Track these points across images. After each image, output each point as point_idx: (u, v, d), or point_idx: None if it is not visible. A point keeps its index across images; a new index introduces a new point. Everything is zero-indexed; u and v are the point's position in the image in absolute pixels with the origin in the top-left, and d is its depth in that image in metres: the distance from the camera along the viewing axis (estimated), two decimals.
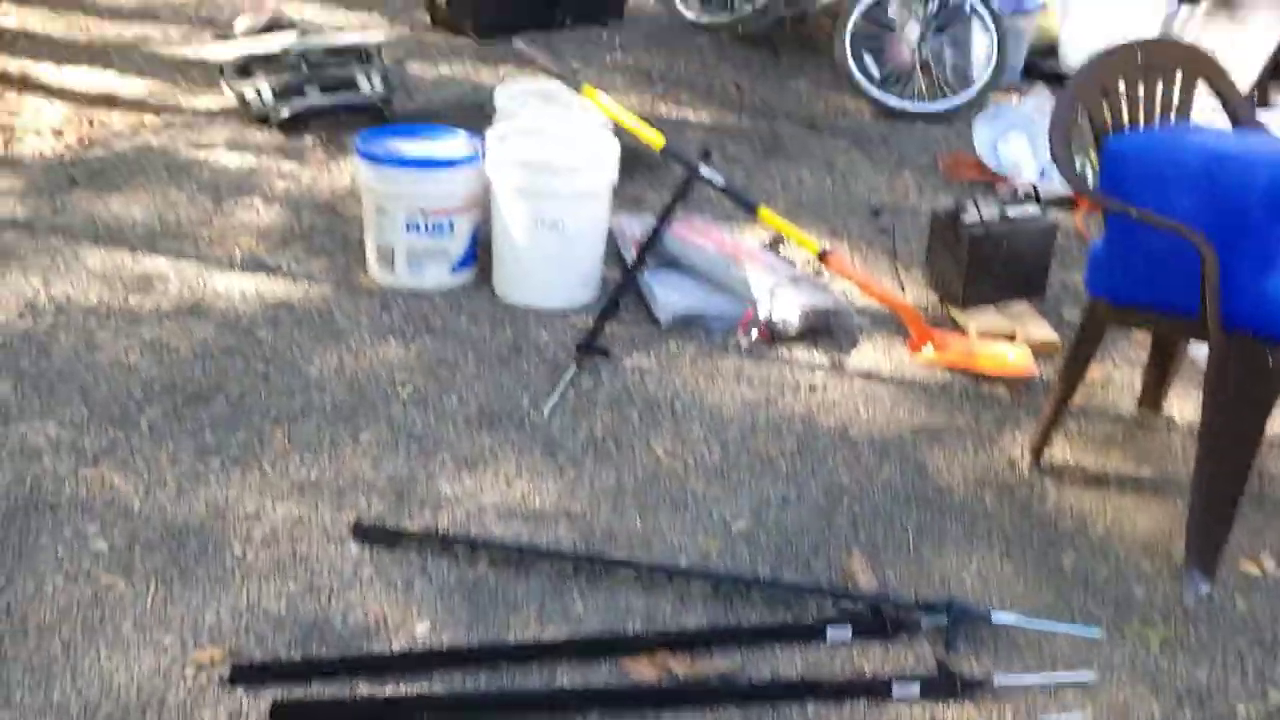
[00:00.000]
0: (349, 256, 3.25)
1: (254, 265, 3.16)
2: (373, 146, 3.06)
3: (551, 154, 3.01)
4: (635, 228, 3.38)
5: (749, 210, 3.16)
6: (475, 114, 4.24)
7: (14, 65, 4.51)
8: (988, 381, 2.89)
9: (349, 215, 3.49)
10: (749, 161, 4.19)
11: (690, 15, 5.40)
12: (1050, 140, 2.20)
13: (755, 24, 5.25)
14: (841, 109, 4.77)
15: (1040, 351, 2.99)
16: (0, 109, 4.10)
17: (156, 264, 3.12)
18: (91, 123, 4.08)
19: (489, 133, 3.08)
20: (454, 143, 3.14)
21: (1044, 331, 3.07)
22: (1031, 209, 3.20)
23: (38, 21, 5.09)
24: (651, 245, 3.18)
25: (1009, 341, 3.01)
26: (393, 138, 3.14)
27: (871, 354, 3.00)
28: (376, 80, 4.47)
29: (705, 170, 3.18)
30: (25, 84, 4.35)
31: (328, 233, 3.39)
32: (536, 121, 3.19)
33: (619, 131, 3.28)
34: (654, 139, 3.21)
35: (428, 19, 5.49)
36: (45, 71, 4.51)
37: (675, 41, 5.44)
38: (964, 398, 2.84)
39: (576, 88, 3.28)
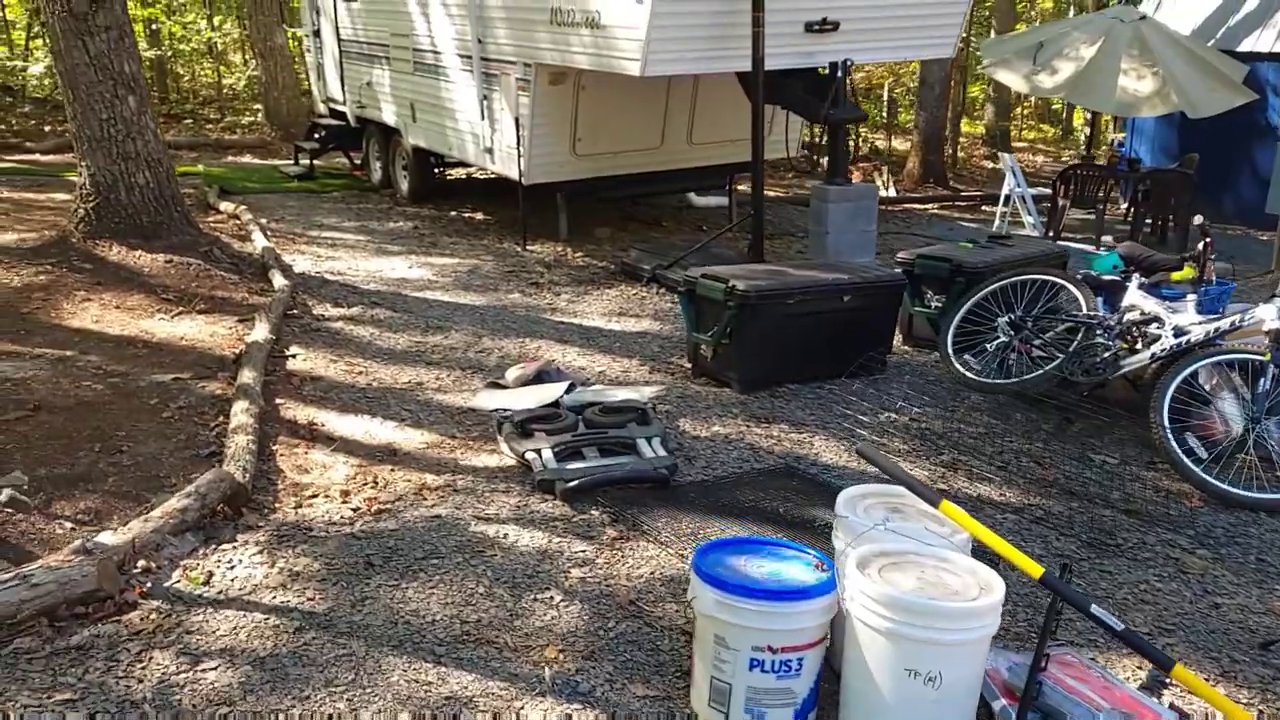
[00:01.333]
0: (667, 682, 2.85)
1: (566, 689, 2.79)
2: (714, 566, 2.72)
3: (929, 591, 2.59)
4: (999, 664, 2.88)
5: (1161, 668, 2.63)
6: (770, 486, 3.97)
7: (303, 414, 4.55)
8: None
9: (655, 621, 3.13)
10: (1078, 558, 3.68)
11: (968, 374, 5.12)
12: None
13: (1038, 386, 4.91)
14: (1163, 491, 4.26)
15: None
16: (290, 464, 4.05)
17: (462, 683, 2.79)
18: (376, 481, 3.96)
19: (849, 560, 2.70)
20: (800, 564, 2.78)
21: None
22: None
23: (322, 364, 5.22)
24: (1031, 697, 2.67)
25: None
26: (733, 554, 2.81)
27: None
28: (657, 444, 4.27)
29: (1097, 610, 2.70)
30: (313, 435, 4.34)
31: (637, 644, 3.02)
32: (898, 543, 2.80)
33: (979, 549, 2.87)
34: (1030, 567, 2.77)
35: (689, 366, 5.39)
36: (329, 420, 4.52)
37: (948, 398, 5.13)
38: None
39: (933, 502, 2.92)
